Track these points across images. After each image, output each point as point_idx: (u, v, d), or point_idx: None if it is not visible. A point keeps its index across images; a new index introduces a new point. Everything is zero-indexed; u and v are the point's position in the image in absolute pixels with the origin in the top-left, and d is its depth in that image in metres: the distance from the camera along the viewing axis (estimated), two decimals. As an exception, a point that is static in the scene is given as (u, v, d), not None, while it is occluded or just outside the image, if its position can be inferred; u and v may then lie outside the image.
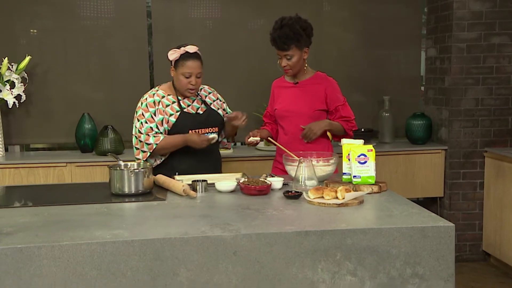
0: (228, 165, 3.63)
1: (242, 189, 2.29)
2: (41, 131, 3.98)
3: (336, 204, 2.04)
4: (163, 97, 2.74)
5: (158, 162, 2.76)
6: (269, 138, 2.85)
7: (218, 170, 2.86)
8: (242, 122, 2.74)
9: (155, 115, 2.69)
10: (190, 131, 2.71)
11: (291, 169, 2.46)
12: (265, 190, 2.27)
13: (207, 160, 2.80)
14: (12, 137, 3.94)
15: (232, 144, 3.07)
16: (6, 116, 3.87)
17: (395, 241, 1.77)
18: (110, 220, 1.93)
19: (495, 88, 3.87)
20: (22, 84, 3.70)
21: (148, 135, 2.67)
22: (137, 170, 2.31)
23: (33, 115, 3.94)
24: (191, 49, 2.66)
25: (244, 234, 1.72)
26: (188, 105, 2.76)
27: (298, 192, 2.20)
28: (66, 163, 3.60)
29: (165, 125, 2.69)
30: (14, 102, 3.65)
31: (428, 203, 4.06)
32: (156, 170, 2.63)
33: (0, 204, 2.30)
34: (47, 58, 3.91)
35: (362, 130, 4.05)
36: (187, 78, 2.66)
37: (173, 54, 2.66)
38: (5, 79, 3.64)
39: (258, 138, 2.77)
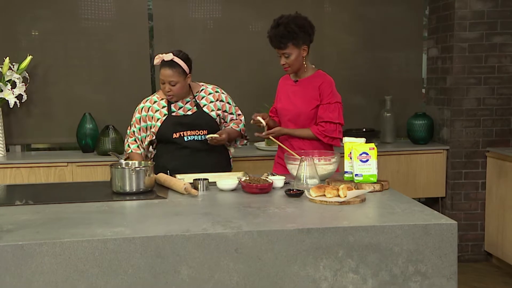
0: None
1: (243, 187, 2.29)
2: (42, 131, 3.98)
3: (338, 202, 2.03)
4: (155, 102, 2.80)
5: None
6: (271, 136, 2.83)
7: (216, 169, 2.79)
8: (221, 142, 2.73)
9: (139, 122, 2.81)
10: (174, 134, 2.74)
11: (292, 167, 2.46)
12: (267, 188, 2.26)
13: (200, 157, 2.77)
14: (13, 137, 3.94)
15: (240, 145, 3.03)
16: (7, 116, 3.87)
17: (397, 238, 1.76)
18: (111, 217, 1.92)
19: (497, 88, 3.86)
20: (23, 84, 3.70)
21: (128, 140, 2.87)
22: (138, 169, 2.31)
23: (34, 115, 3.94)
24: (167, 57, 2.69)
25: (245, 232, 1.72)
26: (180, 107, 2.78)
27: (299, 190, 2.19)
28: (67, 163, 3.60)
29: (152, 130, 2.77)
30: (15, 102, 3.65)
31: (429, 203, 4.05)
32: None
33: (1, 202, 2.30)
34: (48, 59, 3.91)
35: (364, 130, 4.06)
36: (163, 84, 2.73)
37: (156, 60, 2.73)
38: (6, 79, 3.65)
39: (263, 122, 2.73)
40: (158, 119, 2.76)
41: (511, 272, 3.74)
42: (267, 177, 2.37)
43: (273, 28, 2.70)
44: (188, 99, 2.80)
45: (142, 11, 3.99)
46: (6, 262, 1.61)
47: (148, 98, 2.86)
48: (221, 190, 2.31)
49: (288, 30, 2.65)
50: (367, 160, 2.27)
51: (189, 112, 2.78)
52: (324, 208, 1.99)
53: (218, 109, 2.85)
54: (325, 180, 2.39)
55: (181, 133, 2.75)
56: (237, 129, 2.91)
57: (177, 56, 2.69)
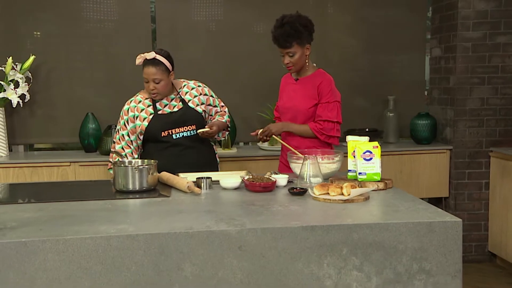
0: (232, 165, 3.62)
1: (246, 186, 2.28)
2: (45, 131, 3.97)
3: (342, 200, 2.03)
4: (139, 102, 2.80)
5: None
6: (275, 136, 2.83)
7: (208, 166, 2.81)
8: (211, 135, 2.75)
9: (127, 123, 2.79)
10: (162, 133, 2.75)
11: (295, 166, 2.45)
12: (270, 187, 2.26)
13: (190, 155, 2.77)
14: (16, 137, 3.94)
15: (222, 137, 3.02)
16: (10, 115, 3.87)
17: (402, 236, 1.75)
18: (114, 215, 1.92)
19: (500, 88, 3.85)
20: (26, 83, 3.71)
21: (114, 142, 2.84)
22: (141, 167, 2.30)
23: (37, 115, 3.94)
24: (150, 55, 2.70)
25: (249, 229, 1.71)
26: (166, 105, 2.79)
27: (303, 188, 2.19)
28: (70, 162, 3.60)
29: (139, 130, 2.77)
30: (18, 102, 3.65)
31: (433, 203, 3.96)
32: None
33: (4, 200, 2.30)
34: (51, 60, 3.91)
35: (367, 130, 4.05)
36: (147, 83, 2.73)
37: (137, 60, 2.73)
38: (9, 79, 3.65)
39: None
40: (144, 119, 2.76)
41: (515, 273, 3.73)
42: (270, 176, 2.37)
43: (278, 27, 2.71)
44: (172, 96, 2.81)
45: (145, 13, 3.99)
46: (10, 259, 1.61)
47: (131, 98, 2.84)
48: (224, 189, 2.31)
49: (294, 29, 2.67)
50: (370, 159, 2.27)
51: (176, 109, 2.78)
52: (328, 206, 1.98)
53: (202, 103, 2.85)
54: (329, 179, 2.39)
55: (170, 131, 2.76)
56: (223, 120, 2.91)
57: (159, 54, 2.70)
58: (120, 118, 2.83)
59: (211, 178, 2.35)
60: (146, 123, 2.75)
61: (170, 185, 2.37)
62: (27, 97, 3.69)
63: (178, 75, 2.91)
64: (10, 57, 3.64)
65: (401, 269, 1.76)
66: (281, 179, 2.34)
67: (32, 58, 3.69)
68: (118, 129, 2.83)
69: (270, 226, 1.73)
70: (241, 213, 1.91)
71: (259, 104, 4.01)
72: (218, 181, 2.35)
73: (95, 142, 3.80)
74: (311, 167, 2.27)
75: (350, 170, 2.36)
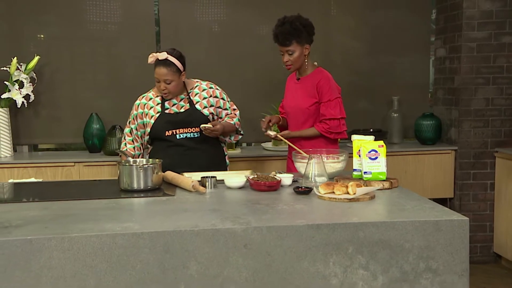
0: (236, 165, 3.61)
1: (251, 185, 2.27)
2: (49, 132, 3.99)
3: (347, 199, 2.02)
4: (150, 99, 2.82)
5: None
6: (278, 135, 2.84)
7: (213, 168, 2.79)
8: (214, 132, 2.75)
9: (136, 118, 2.82)
10: (166, 132, 2.76)
11: (300, 166, 2.45)
12: (275, 186, 2.25)
13: (194, 155, 2.78)
14: (20, 137, 3.95)
15: (234, 140, 3.02)
16: (15, 116, 3.88)
17: (408, 234, 1.74)
18: (119, 214, 1.92)
19: (505, 88, 3.84)
20: (31, 84, 3.71)
21: (125, 138, 2.89)
22: (146, 166, 2.30)
23: (41, 115, 3.95)
24: (161, 56, 2.70)
25: (254, 227, 1.70)
26: (174, 104, 2.79)
27: (308, 187, 2.18)
28: (74, 162, 3.60)
29: (147, 128, 2.78)
30: (22, 102, 3.66)
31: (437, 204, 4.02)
32: None
33: (9, 199, 2.30)
34: (55, 61, 3.93)
35: (371, 130, 4.04)
36: (158, 82, 2.74)
37: (150, 58, 2.74)
38: (14, 79, 3.66)
39: (272, 134, 2.83)
40: (152, 116, 2.78)
41: (520, 274, 3.70)
42: (275, 175, 2.36)
43: (279, 26, 2.81)
44: (182, 96, 2.81)
45: (149, 15, 4.00)
46: (15, 257, 1.61)
47: (144, 94, 2.87)
48: (229, 188, 2.30)
49: (293, 28, 2.76)
50: (376, 158, 2.26)
51: (182, 110, 2.79)
52: (333, 205, 1.97)
53: (211, 106, 2.84)
54: (334, 178, 2.38)
55: (173, 131, 2.77)
56: (231, 122, 2.90)
57: (171, 55, 2.70)
58: (131, 111, 2.87)
59: (215, 177, 2.34)
60: (152, 121, 2.77)
61: (174, 184, 2.37)
62: (32, 97, 3.70)
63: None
64: (15, 58, 3.65)
65: (407, 268, 1.75)
66: (286, 179, 2.34)
67: (36, 58, 3.70)
68: (129, 122, 2.87)
69: (276, 225, 1.72)
70: (246, 211, 1.90)
71: (263, 105, 4.01)
72: (223, 180, 2.34)
73: (99, 142, 3.81)
74: (316, 167, 2.26)
75: (355, 169, 2.35)
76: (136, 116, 2.83)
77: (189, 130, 2.78)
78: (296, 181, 2.38)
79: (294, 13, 2.86)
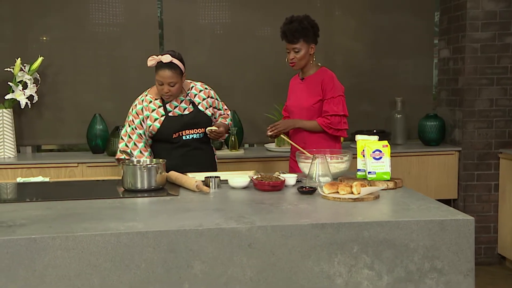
0: (239, 166, 3.61)
1: (255, 185, 2.27)
2: (53, 132, 3.99)
3: (352, 199, 2.01)
4: (150, 102, 2.78)
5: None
6: (282, 135, 2.85)
7: (210, 167, 2.86)
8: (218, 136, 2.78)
9: (143, 122, 2.76)
10: (174, 134, 2.75)
11: (304, 166, 2.44)
12: (279, 186, 2.25)
13: (197, 155, 2.80)
14: (23, 138, 3.95)
15: (222, 139, 3.01)
16: (18, 116, 3.89)
17: (413, 234, 1.73)
18: (123, 213, 1.92)
19: (509, 89, 3.82)
20: (35, 84, 3.72)
21: (136, 144, 2.75)
22: (150, 166, 2.30)
23: (45, 116, 3.95)
24: (166, 59, 2.67)
25: (259, 226, 1.70)
26: (176, 106, 2.78)
27: (312, 187, 2.17)
28: (78, 163, 3.60)
29: (151, 130, 2.76)
30: (26, 103, 3.67)
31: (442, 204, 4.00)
32: None
33: (13, 199, 2.30)
34: (59, 63, 3.93)
35: (375, 131, 4.03)
36: (161, 85, 2.71)
37: (150, 61, 2.71)
38: (17, 80, 3.66)
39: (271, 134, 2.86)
40: (155, 119, 2.74)
41: (525, 275, 3.69)
42: (279, 175, 2.36)
43: (287, 24, 2.85)
44: (181, 97, 2.80)
45: (152, 17, 4.00)
46: (20, 256, 1.61)
47: (141, 98, 2.80)
48: (233, 188, 2.30)
49: (301, 26, 2.81)
50: (380, 158, 2.25)
51: (186, 111, 2.78)
52: (338, 205, 1.97)
53: (210, 106, 2.86)
54: (338, 178, 2.37)
55: (180, 132, 2.77)
56: (226, 123, 2.95)
57: (173, 57, 2.69)
58: (132, 117, 2.76)
59: (219, 177, 2.34)
60: (157, 124, 2.74)
61: (178, 184, 2.37)
62: (35, 98, 3.70)
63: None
64: (19, 58, 3.66)
65: (412, 268, 1.74)
66: (290, 179, 2.33)
67: (40, 59, 3.70)
68: (133, 128, 2.75)
69: (280, 224, 1.72)
70: (250, 211, 1.89)
71: (266, 106, 4.01)
72: (227, 180, 2.34)
73: (103, 143, 3.81)
74: (320, 167, 2.25)
75: (359, 169, 2.35)
76: (143, 120, 2.75)
77: (196, 131, 2.79)
78: (300, 181, 2.37)
79: (297, 14, 2.88)
